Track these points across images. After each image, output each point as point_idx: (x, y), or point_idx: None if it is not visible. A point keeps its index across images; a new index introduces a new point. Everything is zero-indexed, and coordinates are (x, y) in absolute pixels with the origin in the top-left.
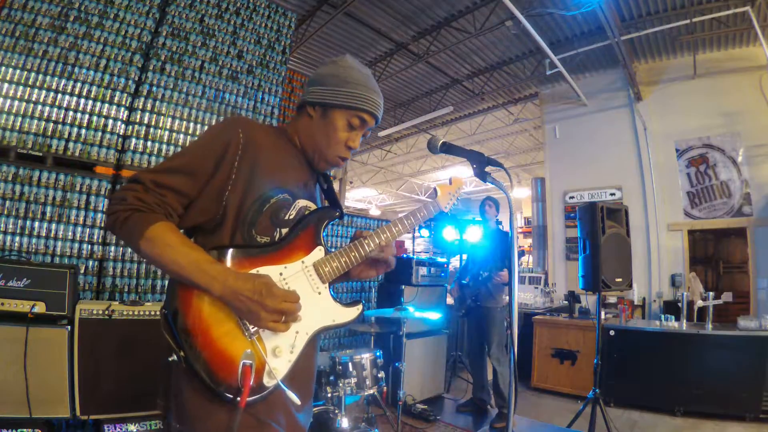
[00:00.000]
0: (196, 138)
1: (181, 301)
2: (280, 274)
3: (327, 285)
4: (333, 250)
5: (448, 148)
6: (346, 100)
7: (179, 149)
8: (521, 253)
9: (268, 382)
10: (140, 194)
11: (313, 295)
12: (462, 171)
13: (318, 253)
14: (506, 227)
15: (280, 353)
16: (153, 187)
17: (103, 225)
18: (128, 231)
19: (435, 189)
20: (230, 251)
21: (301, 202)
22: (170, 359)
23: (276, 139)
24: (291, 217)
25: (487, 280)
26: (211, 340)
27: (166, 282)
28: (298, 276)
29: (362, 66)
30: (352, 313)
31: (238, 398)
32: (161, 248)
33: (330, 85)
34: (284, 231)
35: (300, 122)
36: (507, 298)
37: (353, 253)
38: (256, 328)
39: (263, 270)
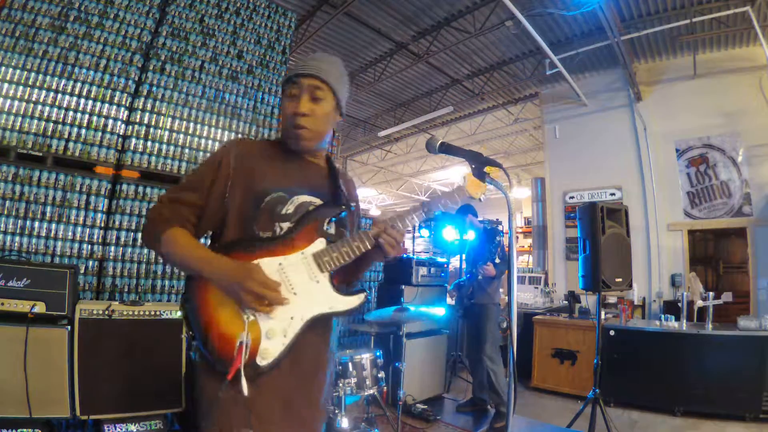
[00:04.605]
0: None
1: (192, 290)
2: (279, 264)
3: (327, 274)
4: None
5: (447, 148)
6: (284, 82)
7: (179, 149)
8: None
9: (261, 362)
10: (160, 209)
11: (310, 284)
12: (463, 171)
13: (319, 244)
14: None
15: (273, 336)
16: (168, 203)
17: (102, 225)
18: (149, 235)
19: (464, 177)
20: (234, 246)
21: (301, 198)
22: (182, 336)
23: (270, 148)
24: (289, 211)
25: (476, 276)
26: (213, 322)
27: (166, 282)
28: (297, 266)
29: (317, 54)
30: (352, 301)
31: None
32: (173, 247)
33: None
34: (284, 225)
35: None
36: (503, 296)
37: (356, 243)
38: (253, 314)
39: (263, 261)
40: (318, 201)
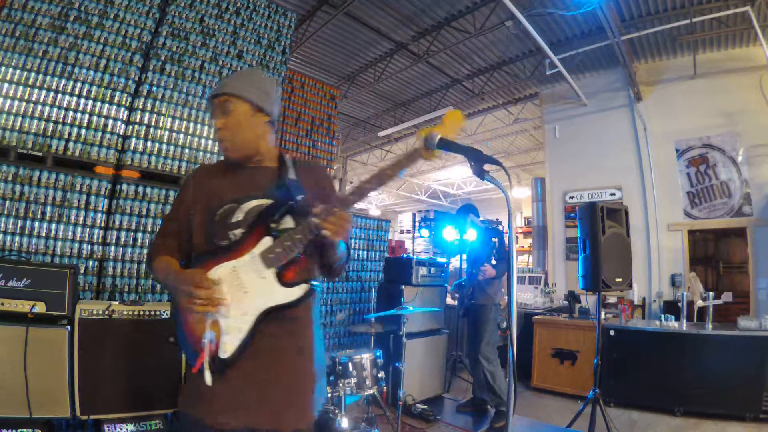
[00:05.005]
0: None
1: (173, 300)
2: (234, 267)
3: (273, 270)
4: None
5: (446, 144)
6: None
7: (179, 149)
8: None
9: (223, 355)
10: (152, 243)
11: (258, 281)
12: (463, 171)
13: (266, 242)
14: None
15: (230, 332)
16: (157, 237)
17: (102, 225)
18: (148, 266)
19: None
20: (200, 259)
21: (251, 204)
22: (170, 340)
23: (224, 165)
24: (239, 219)
25: (475, 277)
26: (186, 324)
27: None
28: (247, 266)
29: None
30: (292, 293)
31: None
32: (156, 273)
33: None
34: (237, 232)
35: None
36: (502, 296)
37: (298, 236)
38: (215, 315)
39: (220, 267)
40: (268, 202)
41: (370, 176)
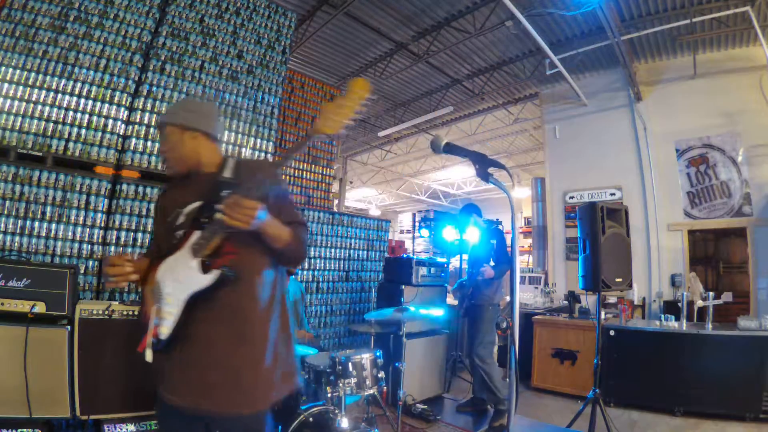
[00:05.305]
0: None
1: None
2: (173, 261)
3: (198, 259)
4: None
5: (451, 149)
6: None
7: None
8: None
9: (162, 336)
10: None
11: (186, 271)
12: (463, 171)
13: (195, 236)
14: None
15: (165, 317)
16: (150, 243)
17: (102, 225)
18: None
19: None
20: (160, 259)
21: (190, 207)
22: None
23: (177, 180)
24: (181, 221)
25: (475, 277)
26: (145, 312)
27: None
28: (181, 259)
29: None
30: (207, 278)
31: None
32: None
33: None
34: (180, 233)
35: None
36: (502, 296)
37: (213, 227)
38: (158, 303)
39: (164, 263)
40: (201, 203)
41: (278, 158)
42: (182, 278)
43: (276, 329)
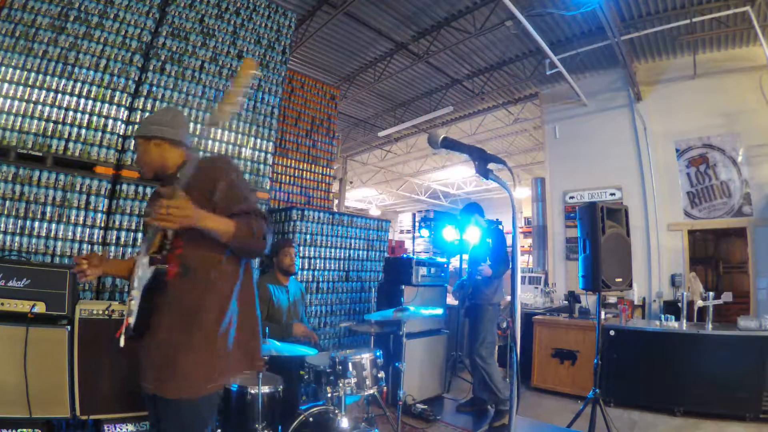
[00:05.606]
0: None
1: None
2: (140, 260)
3: (148, 256)
4: None
5: (449, 144)
6: None
7: None
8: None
9: (131, 325)
10: None
11: (142, 268)
12: (463, 171)
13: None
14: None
15: (132, 308)
16: None
17: (102, 225)
18: None
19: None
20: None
21: (148, 209)
22: None
23: (160, 185)
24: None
25: (474, 276)
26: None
27: None
28: (141, 258)
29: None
30: (146, 275)
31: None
32: None
33: None
34: (149, 234)
35: None
36: (502, 296)
37: (150, 226)
38: (131, 295)
39: (136, 262)
40: None
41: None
42: (140, 274)
43: (233, 318)
